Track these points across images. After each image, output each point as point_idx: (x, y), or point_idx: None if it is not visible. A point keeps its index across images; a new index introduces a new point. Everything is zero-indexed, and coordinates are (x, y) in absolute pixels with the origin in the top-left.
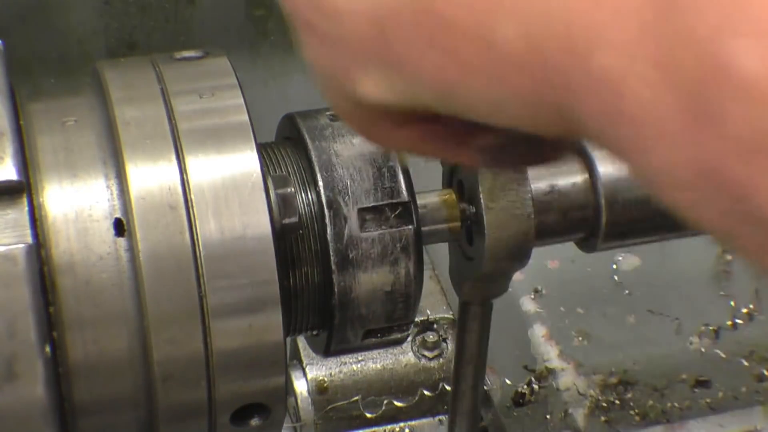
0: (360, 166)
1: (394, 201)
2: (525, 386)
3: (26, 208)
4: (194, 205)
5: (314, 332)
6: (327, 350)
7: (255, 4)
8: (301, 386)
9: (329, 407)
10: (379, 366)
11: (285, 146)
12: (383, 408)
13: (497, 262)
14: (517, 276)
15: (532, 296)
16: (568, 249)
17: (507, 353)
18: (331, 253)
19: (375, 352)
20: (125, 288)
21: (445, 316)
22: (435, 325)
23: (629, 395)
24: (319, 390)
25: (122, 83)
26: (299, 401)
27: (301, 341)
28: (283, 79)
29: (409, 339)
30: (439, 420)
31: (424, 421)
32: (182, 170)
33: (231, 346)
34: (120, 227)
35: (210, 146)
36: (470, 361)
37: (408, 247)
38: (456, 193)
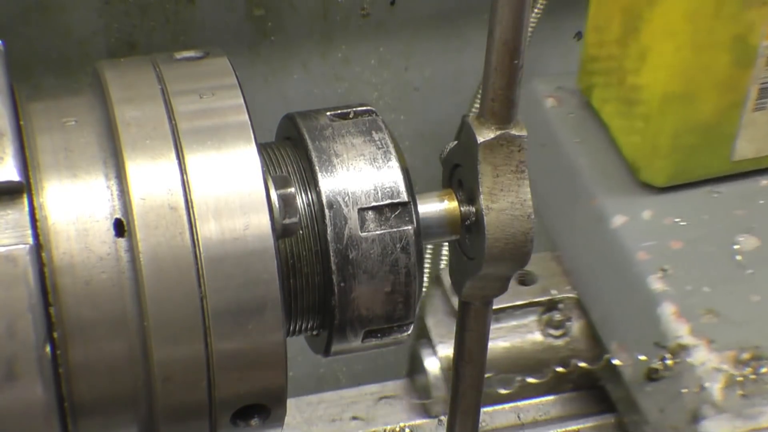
0: (360, 166)
1: (394, 201)
2: (658, 361)
3: (26, 209)
4: (194, 205)
5: (314, 332)
6: (327, 351)
7: (255, 4)
8: (431, 364)
9: None
10: (507, 344)
11: (285, 146)
12: (515, 384)
13: (497, 262)
14: (643, 256)
15: (660, 275)
16: (690, 231)
17: (636, 331)
18: (331, 254)
19: (503, 332)
20: (125, 289)
21: (569, 295)
22: (560, 305)
23: (764, 370)
24: (450, 367)
25: (122, 83)
26: (429, 378)
27: (430, 320)
28: (283, 79)
29: (536, 318)
30: (439, 420)
31: (424, 421)
32: (182, 170)
33: (231, 346)
34: (120, 228)
35: (210, 146)
36: (470, 361)
37: (408, 247)
38: (456, 193)
